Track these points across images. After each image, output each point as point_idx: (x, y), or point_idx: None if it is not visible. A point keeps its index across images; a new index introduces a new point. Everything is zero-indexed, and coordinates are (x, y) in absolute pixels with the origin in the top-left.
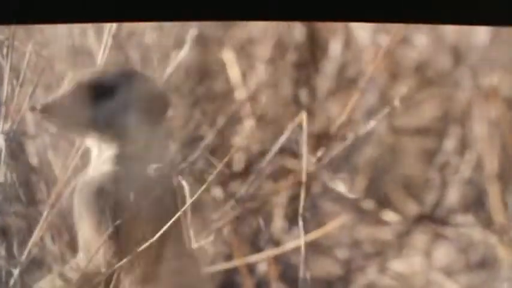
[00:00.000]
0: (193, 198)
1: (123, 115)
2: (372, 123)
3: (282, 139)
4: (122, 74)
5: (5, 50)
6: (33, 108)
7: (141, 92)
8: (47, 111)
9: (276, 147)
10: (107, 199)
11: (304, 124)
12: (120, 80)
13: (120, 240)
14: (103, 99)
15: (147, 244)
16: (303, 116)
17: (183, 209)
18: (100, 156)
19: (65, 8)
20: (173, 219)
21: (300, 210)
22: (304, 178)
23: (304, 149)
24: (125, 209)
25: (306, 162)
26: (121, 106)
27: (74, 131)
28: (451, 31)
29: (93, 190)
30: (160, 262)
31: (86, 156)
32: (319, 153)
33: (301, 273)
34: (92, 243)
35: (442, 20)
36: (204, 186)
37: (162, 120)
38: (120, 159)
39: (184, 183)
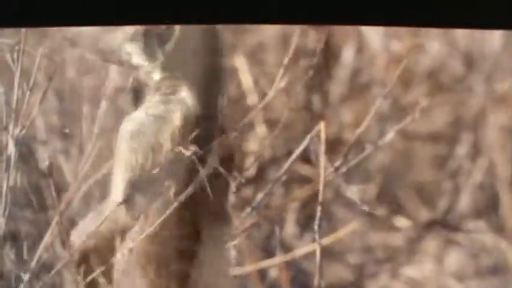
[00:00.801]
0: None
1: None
2: (390, 134)
3: (300, 148)
4: None
5: (15, 55)
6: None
7: None
8: (77, 37)
9: (293, 156)
10: (142, 142)
11: (323, 134)
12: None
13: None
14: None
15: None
16: (321, 125)
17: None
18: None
19: (77, 10)
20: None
21: (317, 220)
22: (321, 188)
23: (322, 159)
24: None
25: (324, 172)
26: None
27: (104, 57)
28: (463, 37)
29: (130, 128)
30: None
31: (97, 161)
32: (337, 163)
33: (316, 280)
34: (118, 188)
35: (454, 23)
36: None
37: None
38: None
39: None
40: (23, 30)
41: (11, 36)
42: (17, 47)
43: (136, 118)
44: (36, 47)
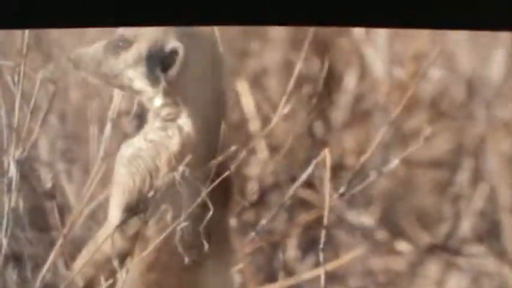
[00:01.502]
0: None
1: (132, 68)
2: (395, 162)
3: (305, 174)
4: (145, 29)
5: (16, 77)
6: (68, 59)
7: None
8: (77, 60)
9: (298, 182)
10: (140, 167)
11: (328, 161)
12: (139, 33)
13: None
14: (121, 50)
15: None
16: (326, 152)
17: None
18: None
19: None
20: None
21: (321, 245)
22: (326, 213)
23: (327, 186)
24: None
25: (329, 199)
26: (133, 58)
27: (103, 80)
28: (465, 63)
29: (128, 153)
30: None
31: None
32: (342, 189)
33: None
34: (115, 211)
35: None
36: None
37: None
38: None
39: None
40: (24, 52)
41: (11, 58)
42: (17, 69)
43: (135, 143)
44: (38, 69)
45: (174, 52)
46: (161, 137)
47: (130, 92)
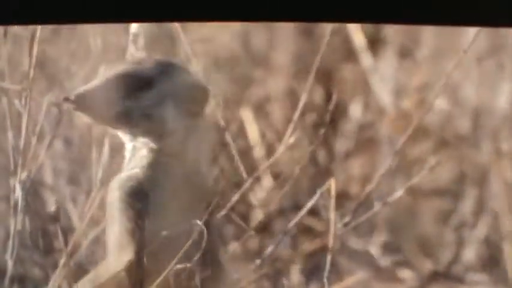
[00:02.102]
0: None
1: (161, 107)
2: (400, 192)
3: (310, 203)
4: (159, 65)
5: (23, 101)
6: (66, 99)
7: (180, 83)
8: (81, 101)
9: (303, 210)
10: (137, 200)
11: (333, 190)
12: (158, 71)
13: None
14: (139, 90)
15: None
16: (332, 182)
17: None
18: (134, 154)
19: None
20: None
21: (326, 272)
22: (331, 241)
23: (332, 215)
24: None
25: (334, 228)
26: (159, 97)
27: (107, 122)
28: (471, 95)
29: (124, 189)
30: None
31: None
32: (347, 219)
33: None
34: (119, 244)
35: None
36: None
37: (201, 113)
38: (156, 155)
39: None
40: (31, 76)
41: (19, 82)
42: (24, 94)
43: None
44: (44, 93)
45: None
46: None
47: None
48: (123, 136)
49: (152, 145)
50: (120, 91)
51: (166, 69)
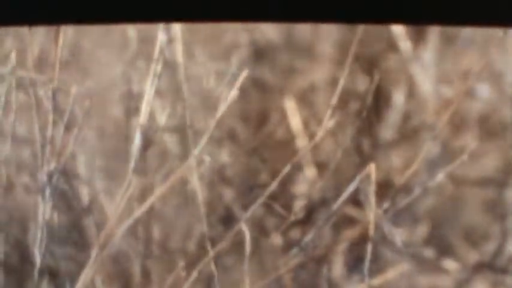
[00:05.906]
0: None
1: None
2: (440, 176)
3: (350, 189)
4: None
5: (50, 92)
6: None
7: None
8: None
9: (343, 198)
10: None
11: (373, 176)
12: None
13: None
14: None
15: None
16: (372, 167)
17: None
18: None
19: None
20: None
21: (366, 262)
22: (371, 231)
23: (372, 202)
24: None
25: (374, 215)
26: None
27: None
28: None
29: None
30: None
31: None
32: (385, 205)
33: None
34: None
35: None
36: None
37: None
38: None
39: (245, 230)
40: (57, 66)
41: (44, 72)
42: (50, 85)
43: None
44: (73, 83)
45: None
46: None
47: None
48: None
49: None
50: None
51: None
